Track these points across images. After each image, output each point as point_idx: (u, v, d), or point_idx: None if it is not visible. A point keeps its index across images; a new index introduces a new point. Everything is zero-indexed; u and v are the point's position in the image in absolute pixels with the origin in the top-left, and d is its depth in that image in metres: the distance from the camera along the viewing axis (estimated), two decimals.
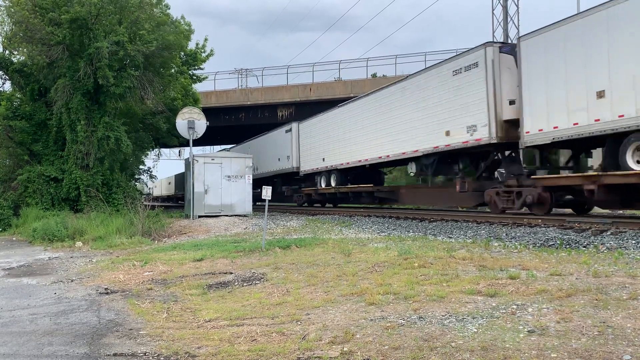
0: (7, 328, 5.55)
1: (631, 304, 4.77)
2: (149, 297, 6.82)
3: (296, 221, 17.93)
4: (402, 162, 19.17)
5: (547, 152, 14.09)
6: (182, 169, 41.85)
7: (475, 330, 4.33)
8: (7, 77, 22.76)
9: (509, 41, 29.16)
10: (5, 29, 20.58)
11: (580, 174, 12.09)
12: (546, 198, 12.78)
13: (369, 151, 20.04)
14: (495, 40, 14.29)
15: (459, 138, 14.87)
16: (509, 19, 29.09)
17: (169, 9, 21.55)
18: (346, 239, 11.72)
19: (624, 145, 10.77)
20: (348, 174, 22.95)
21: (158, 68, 21.05)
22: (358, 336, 4.41)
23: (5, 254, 12.66)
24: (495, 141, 13.71)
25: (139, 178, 31.52)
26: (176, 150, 55.31)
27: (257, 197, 24.08)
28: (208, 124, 21.00)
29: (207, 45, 26.10)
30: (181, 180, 35.34)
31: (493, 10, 29.60)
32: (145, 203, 17.93)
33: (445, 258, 7.85)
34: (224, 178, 20.11)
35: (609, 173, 11.09)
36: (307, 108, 32.57)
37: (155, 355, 4.41)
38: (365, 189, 21.22)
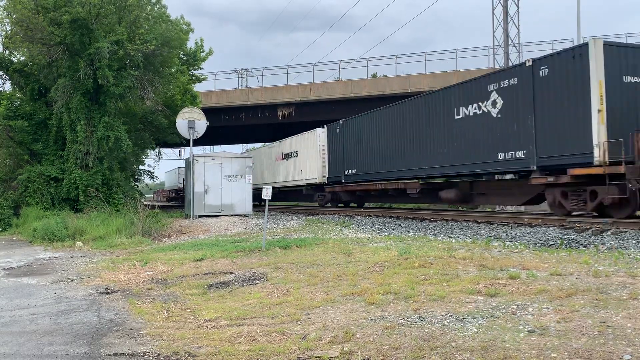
0: (8, 328, 5.55)
1: (631, 304, 4.77)
2: (149, 297, 6.82)
3: (296, 221, 17.94)
4: None
5: None
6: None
7: (476, 330, 4.33)
8: (7, 77, 22.76)
9: (510, 42, 29.11)
10: (6, 28, 20.66)
11: None
12: None
13: None
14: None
15: None
16: (509, 19, 29.09)
17: (167, 8, 21.56)
18: (346, 239, 11.71)
19: None
20: None
21: (158, 67, 21.05)
22: (358, 336, 4.41)
23: (5, 253, 12.66)
24: None
25: (139, 178, 31.54)
26: (176, 150, 55.43)
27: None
28: (208, 123, 21.00)
29: (205, 45, 26.18)
30: None
31: (493, 10, 29.62)
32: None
33: (446, 258, 7.85)
34: (224, 178, 20.11)
35: None
36: (308, 108, 32.65)
37: (156, 355, 4.41)
38: None
